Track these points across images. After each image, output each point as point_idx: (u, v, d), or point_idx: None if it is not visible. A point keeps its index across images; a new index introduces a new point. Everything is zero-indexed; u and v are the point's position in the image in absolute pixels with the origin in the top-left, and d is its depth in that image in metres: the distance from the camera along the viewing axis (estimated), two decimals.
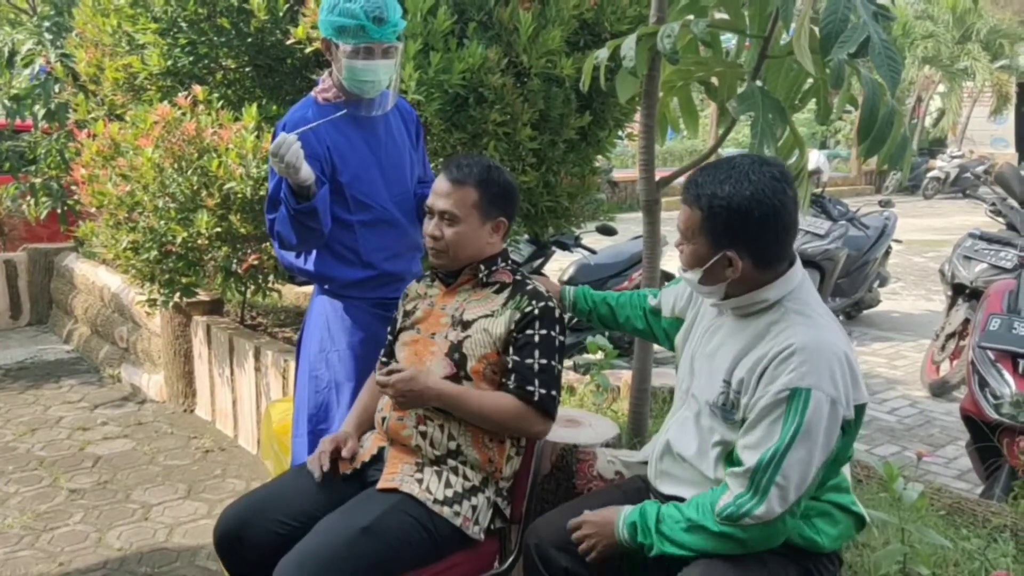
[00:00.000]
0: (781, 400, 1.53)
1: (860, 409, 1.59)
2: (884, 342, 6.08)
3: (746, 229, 1.58)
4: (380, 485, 1.89)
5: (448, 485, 1.89)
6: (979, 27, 19.09)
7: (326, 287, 2.42)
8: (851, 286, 6.31)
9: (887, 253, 6.67)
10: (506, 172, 2.02)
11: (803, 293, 1.65)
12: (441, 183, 1.97)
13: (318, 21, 2.29)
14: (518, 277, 2.02)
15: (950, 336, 4.92)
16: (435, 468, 1.91)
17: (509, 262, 2.05)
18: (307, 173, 2.13)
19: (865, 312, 6.76)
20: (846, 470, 1.71)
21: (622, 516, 1.68)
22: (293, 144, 2.08)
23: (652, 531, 1.63)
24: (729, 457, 1.65)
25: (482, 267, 2.01)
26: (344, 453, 1.96)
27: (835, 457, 1.59)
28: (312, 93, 2.34)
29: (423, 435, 1.92)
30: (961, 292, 4.90)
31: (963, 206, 15.19)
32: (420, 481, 1.88)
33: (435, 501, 1.86)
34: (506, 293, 1.97)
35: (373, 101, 2.32)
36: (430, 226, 1.99)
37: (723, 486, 1.59)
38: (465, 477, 1.92)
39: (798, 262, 1.67)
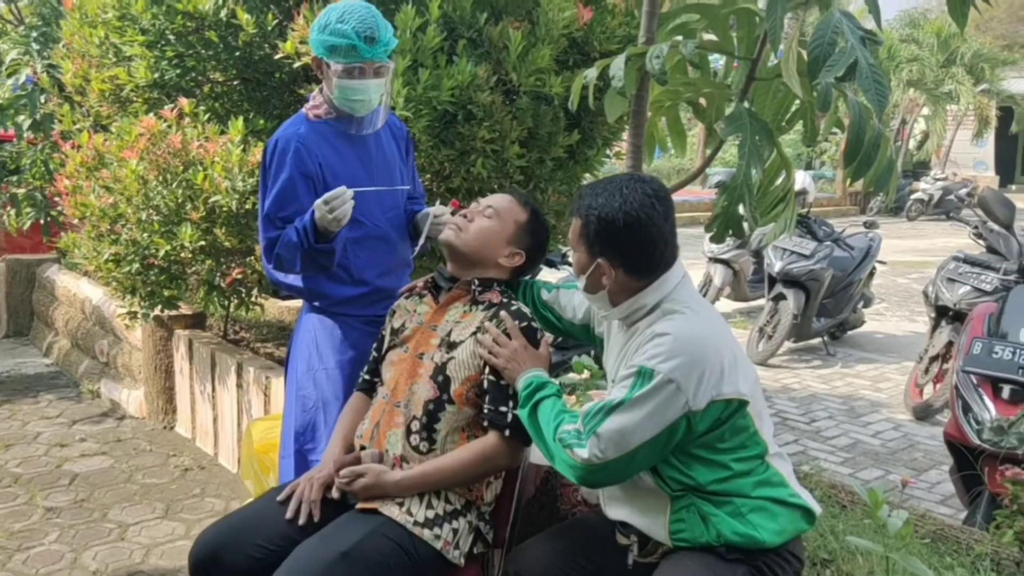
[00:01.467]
0: (631, 374, 1.63)
1: (721, 405, 1.62)
2: (868, 364, 6.10)
3: (614, 237, 1.69)
4: (360, 505, 1.86)
5: (429, 507, 1.86)
6: (963, 51, 19.37)
7: (316, 304, 2.38)
8: (836, 306, 6.34)
9: (871, 274, 6.71)
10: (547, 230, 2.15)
11: (682, 294, 1.73)
12: (501, 195, 2.08)
13: (308, 38, 2.27)
14: (505, 299, 2.00)
15: (933, 359, 4.94)
16: None
17: (505, 289, 2.03)
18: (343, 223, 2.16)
19: (850, 333, 6.79)
20: (776, 463, 1.73)
21: (531, 373, 1.83)
22: (348, 201, 2.12)
23: (531, 402, 1.78)
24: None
25: (477, 282, 2.00)
26: (334, 493, 1.91)
27: (736, 448, 1.66)
28: (303, 110, 2.32)
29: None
30: (944, 314, 4.92)
31: (946, 228, 15.33)
32: (401, 504, 1.85)
33: (415, 523, 1.82)
34: (491, 311, 1.95)
35: (364, 119, 2.31)
36: (462, 212, 2.05)
37: (572, 416, 1.71)
38: (447, 500, 1.89)
39: (676, 266, 1.75)
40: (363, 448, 1.96)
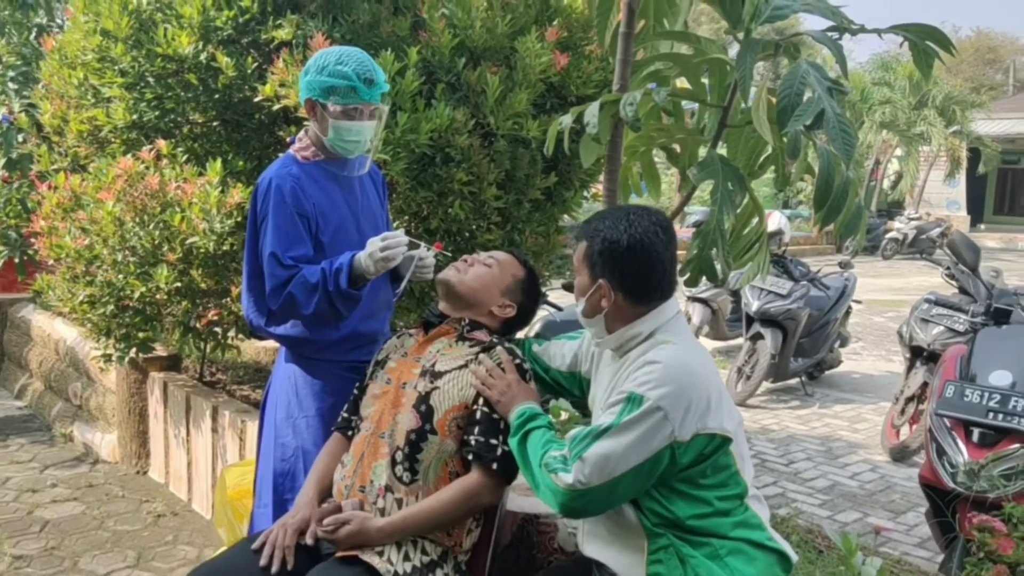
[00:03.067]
0: (620, 399, 1.64)
1: (705, 439, 1.63)
2: (845, 404, 6.14)
3: (617, 259, 1.75)
4: (341, 553, 1.84)
5: (407, 558, 1.85)
6: (935, 94, 19.82)
7: (300, 352, 2.35)
8: (813, 346, 6.38)
9: (848, 313, 6.77)
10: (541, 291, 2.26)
11: (676, 326, 1.78)
12: (503, 251, 2.18)
13: (288, 81, 2.29)
14: (495, 339, 2.02)
15: (909, 399, 4.97)
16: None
17: (494, 337, 2.05)
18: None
19: (827, 372, 6.83)
20: (755, 506, 1.74)
21: (524, 404, 1.86)
22: (403, 244, 2.16)
23: (522, 431, 1.80)
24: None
25: (466, 321, 2.03)
26: (308, 540, 1.90)
27: (716, 486, 1.66)
28: (291, 151, 2.33)
29: (381, 511, 1.88)
30: (919, 355, 4.97)
31: (921, 267, 15.51)
32: (381, 553, 1.83)
33: (395, 574, 1.80)
34: (481, 347, 1.98)
35: (354, 162, 2.33)
36: (463, 257, 2.13)
37: (560, 444, 1.72)
38: (423, 551, 1.87)
39: (672, 299, 1.80)
40: (346, 486, 1.94)
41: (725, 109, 2.70)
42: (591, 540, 1.81)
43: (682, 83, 3.01)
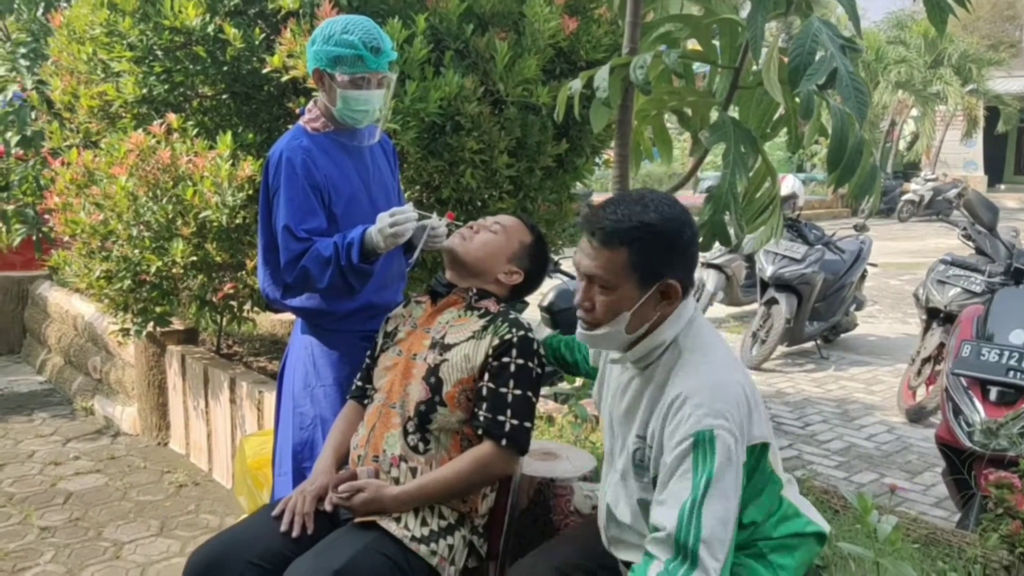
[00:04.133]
0: (686, 450, 1.45)
1: (751, 450, 1.51)
2: (861, 367, 6.12)
3: (675, 250, 1.56)
4: (358, 519, 1.87)
5: (424, 523, 1.87)
6: (950, 52, 19.50)
7: (317, 322, 2.36)
8: (828, 309, 6.36)
9: (863, 276, 6.73)
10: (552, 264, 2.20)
11: (696, 327, 1.61)
12: (509, 216, 2.17)
13: (296, 52, 2.28)
14: (502, 307, 2.02)
15: (925, 360, 4.96)
16: None
17: (503, 305, 2.05)
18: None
19: (842, 336, 6.81)
20: (789, 494, 1.67)
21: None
22: (412, 219, 2.14)
23: None
24: None
25: (474, 290, 2.02)
26: (326, 506, 1.93)
27: (754, 496, 1.55)
28: (300, 123, 2.32)
29: (395, 480, 1.91)
30: (935, 316, 4.95)
31: (937, 229, 15.36)
32: (398, 519, 1.86)
33: (412, 539, 1.83)
34: (487, 319, 1.97)
35: (363, 131, 2.32)
36: (469, 224, 2.12)
37: (649, 557, 1.46)
38: (441, 515, 1.90)
39: (690, 295, 1.63)
40: (359, 455, 1.97)
41: (736, 70, 2.67)
42: (619, 546, 1.72)
43: (692, 45, 2.98)
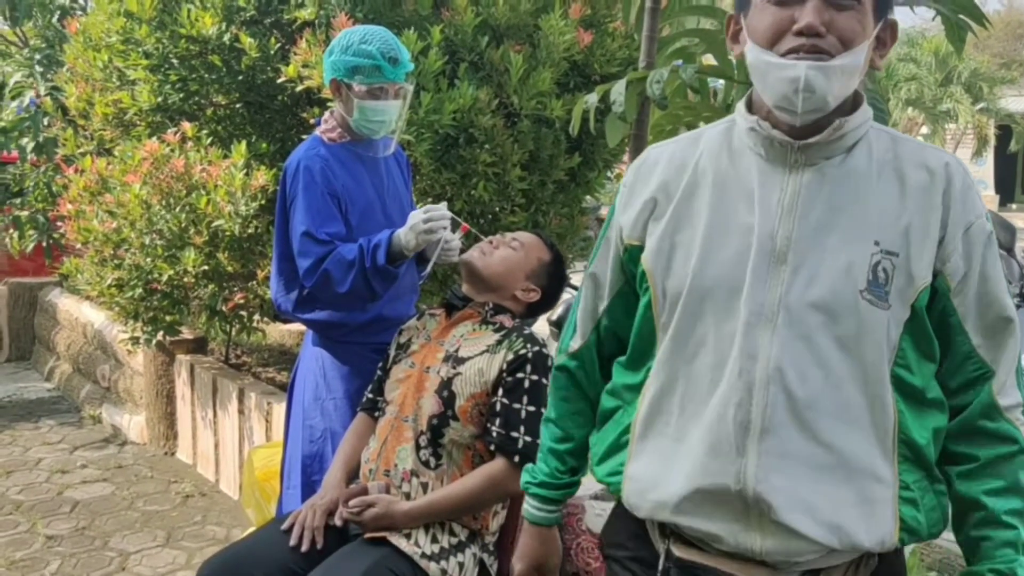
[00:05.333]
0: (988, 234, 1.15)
1: None
2: None
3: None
4: (368, 535, 1.84)
5: (435, 540, 1.84)
6: (961, 70, 19.48)
7: (328, 335, 2.35)
8: None
9: None
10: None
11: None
12: (528, 232, 2.14)
13: (311, 62, 2.28)
14: (517, 322, 2.01)
15: None
16: None
17: (517, 320, 2.03)
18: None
19: None
20: None
21: None
22: (445, 219, 2.12)
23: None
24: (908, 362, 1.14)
25: (490, 305, 2.01)
26: (336, 521, 1.91)
27: None
28: (317, 133, 2.31)
29: (406, 495, 1.88)
30: None
31: None
32: (408, 535, 1.83)
33: (422, 556, 1.80)
34: (502, 333, 1.95)
35: (379, 142, 2.32)
36: (488, 239, 2.09)
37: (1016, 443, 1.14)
38: (451, 532, 1.87)
39: None
40: (371, 469, 1.94)
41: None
42: (777, 472, 1.11)
43: (707, 60, 2.96)
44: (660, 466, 1.21)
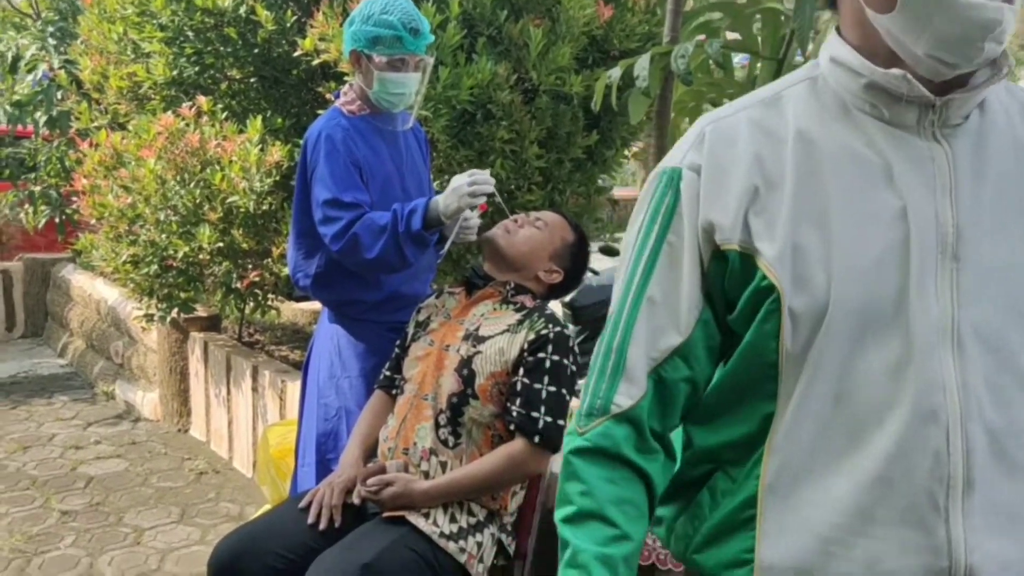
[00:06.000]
0: None
1: None
2: None
3: None
4: (387, 513, 1.82)
5: (453, 520, 1.82)
6: None
7: (344, 312, 2.32)
8: None
9: None
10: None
11: None
12: (552, 212, 2.09)
13: (344, 33, 2.23)
14: (538, 303, 1.98)
15: None
16: None
17: (538, 301, 2.00)
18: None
19: None
20: None
21: None
22: (490, 184, 2.07)
23: None
24: None
25: (511, 284, 1.97)
26: (354, 499, 1.89)
27: None
28: (337, 105, 2.27)
29: (425, 474, 1.86)
30: None
31: None
32: (427, 515, 1.81)
33: (441, 535, 1.78)
34: (523, 313, 1.92)
35: (398, 116, 2.27)
36: (513, 218, 2.04)
37: None
38: (470, 512, 1.85)
39: None
40: (390, 448, 1.92)
41: (780, 61, 2.60)
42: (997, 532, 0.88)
43: (729, 35, 2.90)
44: (816, 547, 0.90)
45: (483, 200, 2.08)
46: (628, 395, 0.97)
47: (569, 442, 1.00)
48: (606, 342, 1.00)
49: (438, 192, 2.24)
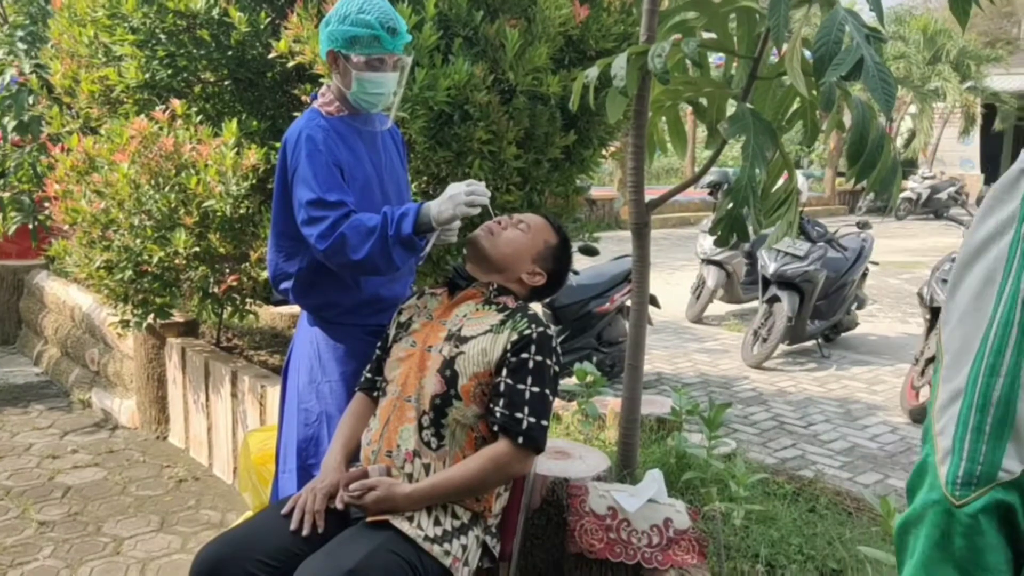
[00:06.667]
0: None
1: None
2: (863, 366, 6.09)
3: None
4: (371, 518, 1.81)
5: (437, 523, 1.82)
6: (949, 48, 19.47)
7: (324, 315, 2.30)
8: (829, 308, 6.32)
9: (864, 275, 6.69)
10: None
11: None
12: (535, 215, 2.09)
13: (320, 34, 2.21)
14: (520, 303, 1.98)
15: (929, 360, 4.91)
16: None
17: (520, 302, 2.00)
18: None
19: (843, 335, 6.78)
20: None
21: None
22: (487, 195, 2.06)
23: None
24: None
25: (494, 285, 1.98)
26: (337, 504, 1.88)
27: None
28: (315, 106, 2.25)
29: (408, 476, 1.85)
30: (939, 316, 4.89)
31: (935, 227, 15.40)
32: (411, 518, 1.80)
33: (425, 538, 1.78)
34: (506, 313, 1.92)
35: (376, 116, 2.26)
36: (496, 220, 2.04)
37: None
38: (454, 515, 1.84)
39: None
40: (373, 451, 1.91)
41: (755, 60, 2.62)
42: None
43: (705, 34, 2.92)
44: None
45: (478, 211, 2.07)
46: (1021, 458, 0.79)
47: (938, 515, 0.81)
48: (980, 391, 0.81)
49: (415, 193, 2.23)
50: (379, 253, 2.05)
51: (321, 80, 2.97)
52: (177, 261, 3.30)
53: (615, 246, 7.34)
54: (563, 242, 2.08)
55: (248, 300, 3.74)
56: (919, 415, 4.78)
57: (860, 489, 3.54)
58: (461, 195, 2.04)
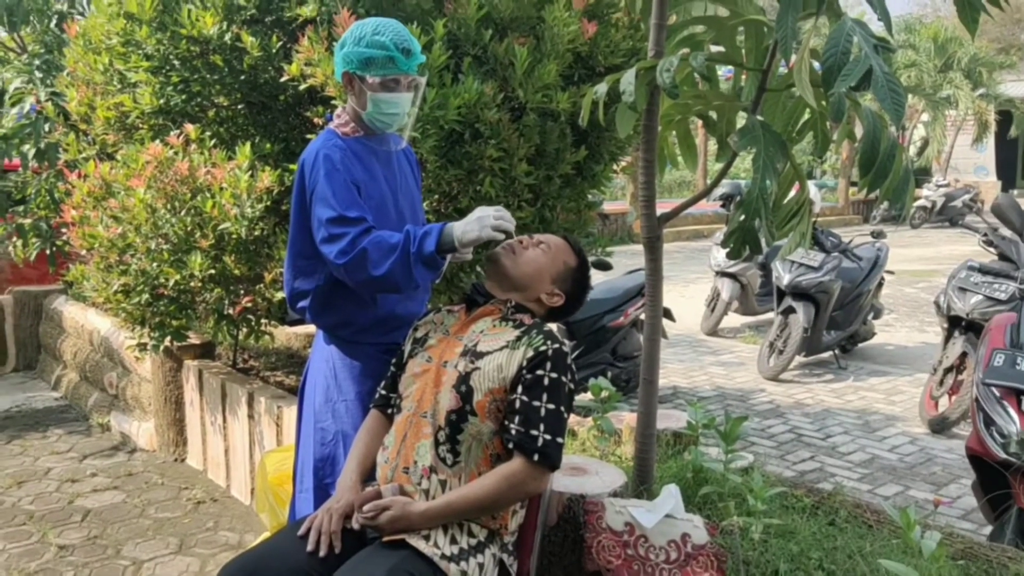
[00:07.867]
0: None
1: None
2: (881, 376, 6.04)
3: None
4: (387, 538, 1.81)
5: (454, 541, 1.81)
6: (960, 56, 19.40)
7: (340, 334, 2.31)
8: (846, 319, 6.28)
9: (880, 284, 6.65)
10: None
11: None
12: (555, 236, 2.11)
13: (335, 56, 2.24)
14: (536, 320, 1.99)
15: (948, 370, 4.86)
16: None
17: (536, 320, 2.00)
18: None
19: (860, 345, 6.73)
20: None
21: None
22: (513, 223, 2.08)
23: None
24: None
25: (512, 302, 1.99)
26: (354, 524, 1.88)
27: None
28: (331, 127, 2.28)
29: (425, 493, 1.85)
30: (957, 324, 4.85)
31: (951, 235, 15.28)
32: (427, 537, 1.80)
33: (442, 557, 1.77)
34: (522, 330, 1.93)
35: (391, 137, 2.29)
36: (518, 239, 2.06)
37: None
38: (470, 533, 1.84)
39: None
40: (391, 468, 1.91)
41: (764, 72, 2.62)
42: None
43: (713, 48, 2.92)
44: None
45: (503, 236, 2.07)
46: None
47: None
48: None
49: (427, 212, 2.24)
50: (400, 270, 2.06)
51: (333, 102, 3.00)
52: (193, 284, 3.33)
53: (628, 260, 7.34)
54: (582, 264, 2.10)
55: (263, 320, 3.77)
56: (938, 426, 4.73)
57: (880, 501, 3.50)
58: (489, 218, 2.05)
